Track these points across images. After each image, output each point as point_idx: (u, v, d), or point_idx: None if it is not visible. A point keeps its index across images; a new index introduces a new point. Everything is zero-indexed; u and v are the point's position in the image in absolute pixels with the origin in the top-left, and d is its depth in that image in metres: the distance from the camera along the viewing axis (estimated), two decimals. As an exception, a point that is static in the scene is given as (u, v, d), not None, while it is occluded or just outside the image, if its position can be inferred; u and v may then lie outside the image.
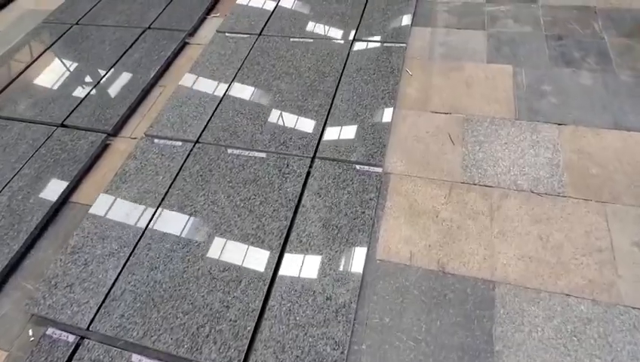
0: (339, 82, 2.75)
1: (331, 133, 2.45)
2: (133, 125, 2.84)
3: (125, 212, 2.22)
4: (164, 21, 3.51)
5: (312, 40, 3.10)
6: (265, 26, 3.29)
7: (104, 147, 2.71)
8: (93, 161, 2.63)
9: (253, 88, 2.79)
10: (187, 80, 2.93)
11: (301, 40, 3.11)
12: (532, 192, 2.14)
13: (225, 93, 2.79)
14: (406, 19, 3.16)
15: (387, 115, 2.51)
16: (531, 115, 2.49)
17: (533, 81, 2.69)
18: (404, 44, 2.95)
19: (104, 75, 3.06)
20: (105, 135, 2.69)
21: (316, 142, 2.42)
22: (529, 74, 2.74)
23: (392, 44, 2.96)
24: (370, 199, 2.12)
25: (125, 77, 3.04)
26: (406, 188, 2.23)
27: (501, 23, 3.14)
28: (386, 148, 2.35)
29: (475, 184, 2.21)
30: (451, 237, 2.02)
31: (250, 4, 3.54)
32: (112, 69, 3.12)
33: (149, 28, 3.46)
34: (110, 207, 2.26)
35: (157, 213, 2.20)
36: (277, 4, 3.46)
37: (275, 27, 3.26)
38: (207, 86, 2.86)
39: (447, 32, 3.12)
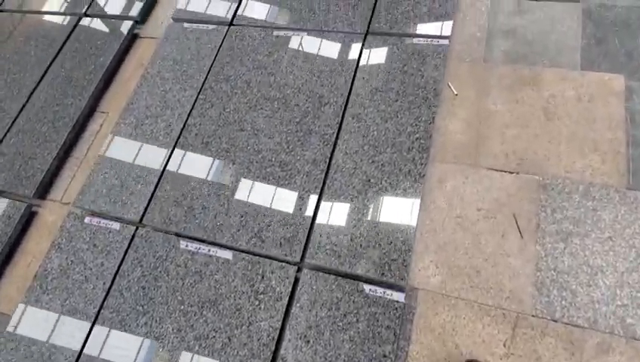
0: (343, 116, 1.81)
1: (328, 218, 1.62)
2: (65, 180, 2.09)
3: (43, 350, 1.60)
4: (105, 1, 2.52)
5: (303, 33, 2.07)
6: (238, 7, 2.25)
7: (30, 216, 2.03)
8: (15, 244, 1.97)
9: (217, 127, 1.91)
10: (133, 108, 2.08)
11: (288, 34, 2.09)
12: (656, 348, 1.30)
13: (180, 136, 1.94)
14: (450, -12, 2.03)
15: (416, 179, 1.62)
16: (657, 182, 1.52)
17: (662, 106, 1.64)
18: (445, 41, 1.88)
19: (25, 103, 2.25)
20: (26, 204, 1.99)
21: (305, 234, 1.60)
22: (654, 92, 1.67)
23: (427, 42, 1.90)
24: (385, 356, 1.36)
25: (52, 103, 2.21)
26: (442, 321, 1.45)
27: (608, -14, 1.95)
28: (411, 249, 1.52)
29: (555, 321, 1.38)
30: None
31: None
32: (37, 90, 2.28)
33: (85, 15, 2.51)
34: (21, 342, 1.65)
35: (85, 349, 1.57)
36: (255, -31, 2.35)
37: (253, 9, 2.21)
38: (158, 120, 2.01)
39: (515, 8, 1.98)
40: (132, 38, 2.43)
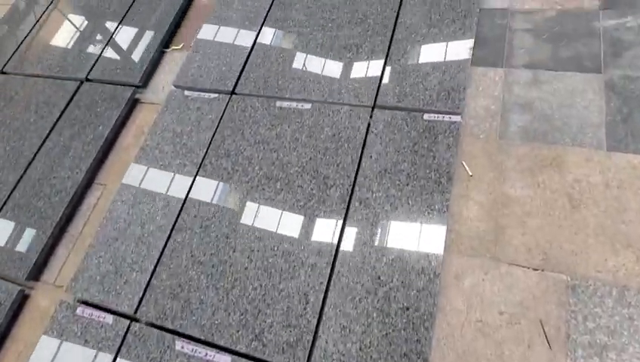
0: (349, 201, 1.70)
1: (334, 321, 1.48)
2: (59, 259, 1.99)
3: None
4: (107, 64, 2.47)
5: (308, 105, 1.99)
6: (241, 75, 2.18)
7: (22, 299, 1.93)
8: (6, 330, 1.86)
9: (216, 209, 1.81)
10: (129, 184, 1.99)
11: (292, 105, 2.01)
12: None
13: (177, 218, 1.84)
14: (461, 57, 1.93)
15: (430, 278, 1.48)
16: (702, 288, 1.37)
17: (701, 196, 1.50)
18: (457, 118, 1.78)
19: (22, 175, 2.18)
20: (19, 288, 1.89)
21: (310, 338, 1.47)
22: (691, 178, 1.53)
23: (438, 118, 1.79)
24: None
25: (49, 175, 2.14)
26: None
27: (631, 56, 1.83)
28: (427, 363, 1.37)
29: None
30: None
31: (222, 25, 2.39)
32: (34, 160, 2.22)
33: (86, 80, 2.46)
34: None
35: None
36: (258, 34, 2.29)
37: (256, 77, 2.14)
38: (154, 198, 1.92)
39: (532, 79, 1.88)
40: (133, 103, 2.37)
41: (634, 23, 1.89)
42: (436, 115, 1.79)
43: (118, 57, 2.49)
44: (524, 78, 1.88)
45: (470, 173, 1.71)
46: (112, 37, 2.57)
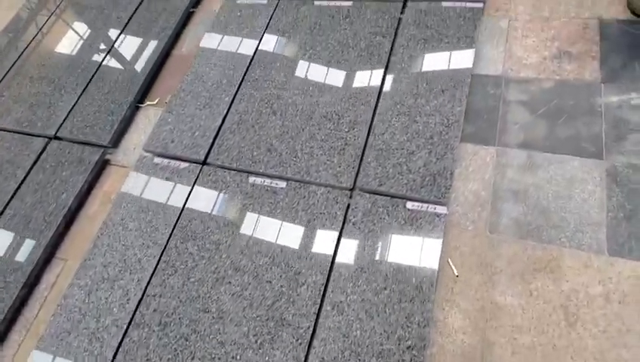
0: (321, 304, 1.54)
1: None
2: (12, 348, 1.83)
3: None
4: (77, 120, 2.33)
5: (283, 184, 1.83)
6: (214, 142, 2.02)
7: (-30, 391, 1.78)
8: None
9: (178, 303, 1.65)
10: (90, 265, 1.84)
11: (266, 182, 1.85)
12: None
13: (136, 310, 1.68)
14: (449, 134, 1.76)
15: (406, 405, 1.32)
16: None
17: None
18: (443, 209, 1.61)
19: (-22, 247, 2.04)
20: (-37, 382, 1.75)
21: None
22: (703, 296, 1.36)
23: (421, 207, 1.63)
24: None
25: (8, 250, 1.98)
26: None
27: (636, 140, 1.66)
28: None
29: None
30: None
31: (199, 82, 2.24)
32: (-6, 230, 2.08)
33: (55, 137, 2.32)
34: None
35: None
36: (234, 96, 2.14)
37: (230, 146, 1.98)
38: (114, 285, 1.76)
39: (526, 162, 1.71)
40: (102, 164, 2.23)
41: (639, 100, 1.73)
42: (420, 205, 1.63)
43: (90, 113, 2.34)
44: (518, 159, 1.72)
45: (456, 273, 1.55)
46: (84, 91, 2.42)
